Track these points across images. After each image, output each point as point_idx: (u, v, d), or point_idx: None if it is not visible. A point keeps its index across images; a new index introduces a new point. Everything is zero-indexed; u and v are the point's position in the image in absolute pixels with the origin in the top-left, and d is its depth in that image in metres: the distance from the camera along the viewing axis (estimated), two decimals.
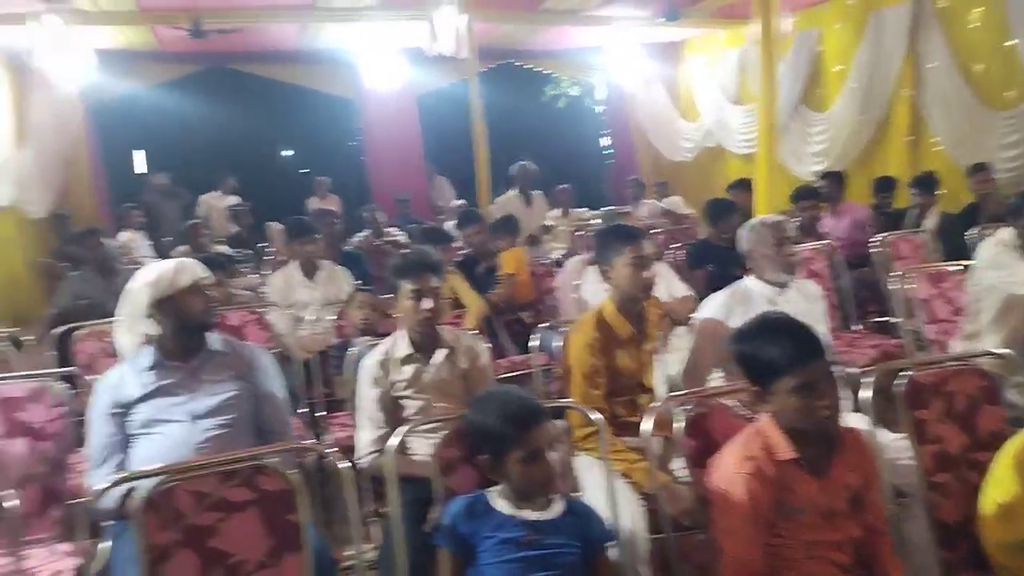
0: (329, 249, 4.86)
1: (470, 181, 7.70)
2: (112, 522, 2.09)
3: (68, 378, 2.85)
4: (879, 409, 2.10)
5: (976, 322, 3.16)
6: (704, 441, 2.01)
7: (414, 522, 1.97)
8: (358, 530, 1.95)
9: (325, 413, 3.50)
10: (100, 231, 5.07)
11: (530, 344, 3.20)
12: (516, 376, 3.69)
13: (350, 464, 1.95)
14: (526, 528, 1.71)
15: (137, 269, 4.49)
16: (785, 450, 1.73)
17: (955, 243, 4.52)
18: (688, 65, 9.52)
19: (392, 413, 2.44)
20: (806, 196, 5.22)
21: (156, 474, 1.69)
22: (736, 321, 2.69)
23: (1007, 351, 2.36)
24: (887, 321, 4.16)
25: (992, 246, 3.25)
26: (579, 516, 1.78)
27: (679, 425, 2.01)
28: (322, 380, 3.64)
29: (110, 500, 1.98)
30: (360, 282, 4.39)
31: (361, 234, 6.92)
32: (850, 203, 5.75)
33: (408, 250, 3.22)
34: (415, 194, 8.99)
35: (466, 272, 4.33)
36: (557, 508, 1.77)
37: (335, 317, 3.91)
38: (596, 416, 2.10)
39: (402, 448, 1.98)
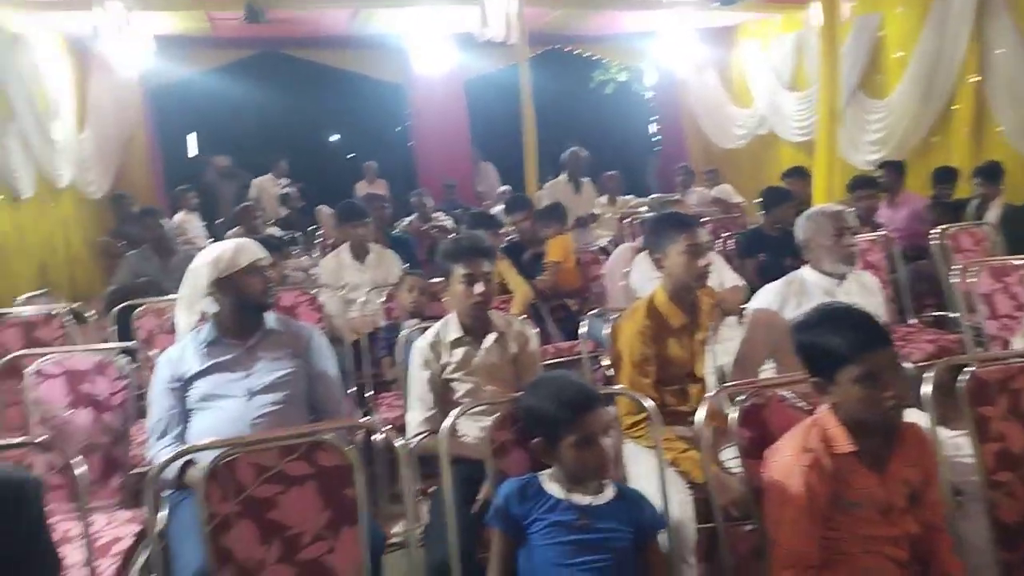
0: (378, 233, 4.92)
1: (515, 167, 7.69)
2: (171, 492, 2.16)
3: (129, 352, 2.95)
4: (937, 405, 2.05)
5: None
6: (758, 432, 1.98)
7: (461, 502, 1.99)
8: (411, 506, 1.98)
9: (372, 393, 3.56)
10: (158, 211, 5.20)
11: (579, 331, 3.20)
12: (561, 363, 3.69)
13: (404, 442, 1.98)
14: (577, 512, 1.72)
15: (192, 250, 4.61)
16: (844, 443, 1.70)
17: (1019, 236, 4.37)
18: (741, 50, 9.31)
19: (441, 395, 2.46)
20: (863, 185, 5.09)
21: (218, 447, 1.73)
22: (790, 312, 2.66)
23: None
24: (944, 315, 4.04)
25: None
26: (630, 502, 1.78)
27: (733, 415, 1.99)
28: (370, 361, 3.70)
29: (171, 471, 2.04)
30: (407, 265, 4.43)
31: (408, 218, 6.98)
32: (908, 193, 5.59)
33: (459, 235, 3.24)
34: (461, 180, 9.02)
35: (513, 258, 4.34)
36: (608, 493, 1.77)
37: (384, 299, 3.96)
38: (648, 403, 2.09)
39: (451, 430, 1.99)
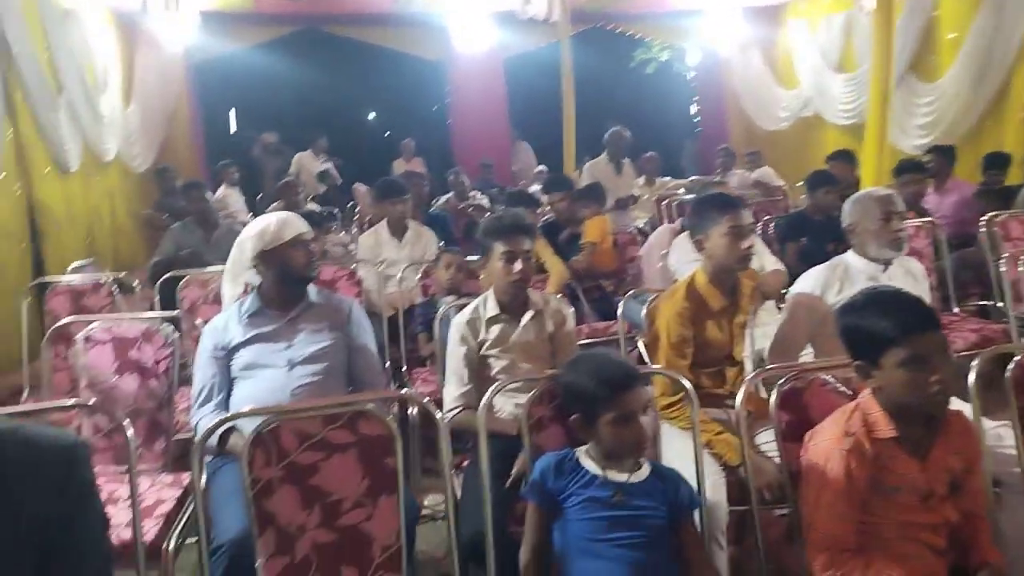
0: (415, 210, 4.94)
1: (551, 147, 7.65)
2: (212, 457, 2.21)
3: (173, 321, 3.02)
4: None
5: None
6: (797, 416, 1.97)
7: (495, 476, 2.01)
8: (448, 476, 2.01)
9: (406, 368, 3.60)
10: (202, 185, 5.28)
11: (618, 312, 3.19)
12: (596, 342, 3.68)
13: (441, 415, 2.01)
14: (613, 488, 1.72)
15: (234, 223, 4.67)
16: (886, 428, 1.68)
17: None
18: (788, 29, 9.11)
19: (478, 371, 2.48)
20: (910, 170, 4.94)
21: (265, 413, 1.78)
22: (832, 297, 2.61)
23: None
24: (989, 304, 3.94)
25: None
26: (666, 480, 1.79)
27: (772, 398, 1.97)
28: (406, 336, 3.74)
29: (215, 436, 2.10)
30: (443, 243, 4.45)
31: (445, 197, 7.00)
32: (957, 180, 5.43)
33: (500, 212, 3.24)
34: (498, 159, 9.00)
35: (549, 238, 4.33)
36: (644, 471, 1.78)
37: (421, 276, 3.99)
38: (686, 383, 2.08)
39: (488, 405, 2.01)
